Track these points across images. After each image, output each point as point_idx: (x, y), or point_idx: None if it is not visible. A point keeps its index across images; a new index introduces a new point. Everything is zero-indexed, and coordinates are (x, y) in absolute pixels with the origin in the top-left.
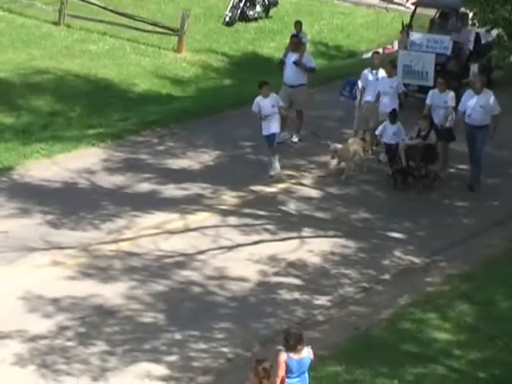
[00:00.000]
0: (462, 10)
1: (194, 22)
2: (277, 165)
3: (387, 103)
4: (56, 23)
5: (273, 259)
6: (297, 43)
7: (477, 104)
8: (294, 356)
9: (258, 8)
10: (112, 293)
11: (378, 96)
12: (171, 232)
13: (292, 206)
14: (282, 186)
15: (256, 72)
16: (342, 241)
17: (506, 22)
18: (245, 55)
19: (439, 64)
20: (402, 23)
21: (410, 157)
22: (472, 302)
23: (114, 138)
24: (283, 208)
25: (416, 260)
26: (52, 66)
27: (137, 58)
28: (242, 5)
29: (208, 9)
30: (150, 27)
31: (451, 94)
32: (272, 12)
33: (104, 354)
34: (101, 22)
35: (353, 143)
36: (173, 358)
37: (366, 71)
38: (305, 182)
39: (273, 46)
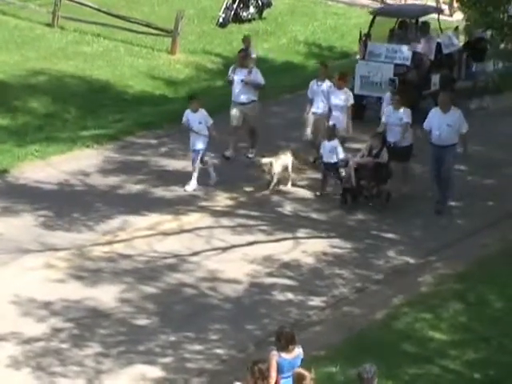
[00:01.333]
0: (423, 19)
1: (187, 24)
2: (194, 181)
3: (339, 117)
4: (50, 25)
5: (267, 260)
6: (244, 58)
7: (443, 123)
8: (285, 356)
9: (252, 9)
10: (106, 295)
11: (330, 109)
12: (165, 233)
13: (286, 207)
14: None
15: None
16: (336, 241)
17: (498, 25)
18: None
19: (398, 75)
20: (360, 33)
21: (360, 176)
22: (466, 302)
23: (109, 140)
24: (277, 209)
25: (410, 260)
26: (46, 67)
27: (131, 60)
28: (235, 6)
29: (201, 10)
30: (144, 29)
31: (407, 111)
32: (265, 13)
33: (98, 356)
34: (95, 23)
35: (282, 157)
36: (167, 360)
37: (312, 82)
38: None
39: (266, 47)
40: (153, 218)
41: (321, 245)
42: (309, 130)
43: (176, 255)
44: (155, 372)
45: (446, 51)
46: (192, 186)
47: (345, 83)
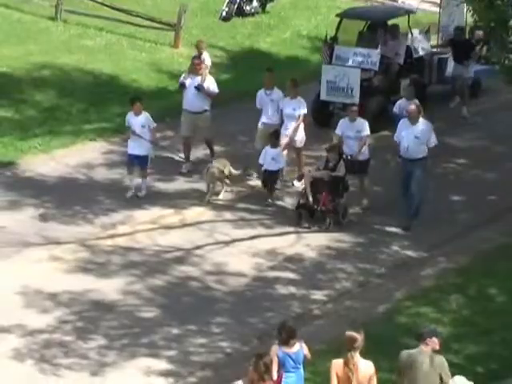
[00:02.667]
0: (392, 21)
1: (190, 17)
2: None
3: (290, 126)
4: (53, 18)
5: (270, 254)
6: (198, 65)
7: (411, 134)
8: (286, 350)
9: (255, 3)
10: (110, 288)
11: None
12: (167, 227)
13: (288, 201)
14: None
15: (253, 67)
16: (339, 235)
17: (503, 19)
18: (242, 50)
19: (366, 80)
20: (326, 35)
21: (316, 190)
22: (468, 296)
23: (112, 133)
24: (279, 203)
25: (412, 254)
26: (49, 61)
27: (133, 54)
28: (238, 0)
29: (205, 4)
30: (147, 22)
31: (364, 123)
32: (269, 7)
33: (102, 349)
34: (97, 17)
35: (218, 164)
36: (171, 353)
37: (260, 91)
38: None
39: (270, 41)
40: (155, 212)
41: (323, 238)
42: (259, 142)
43: (179, 249)
44: (159, 365)
45: (416, 55)
46: (143, 191)
47: (297, 91)
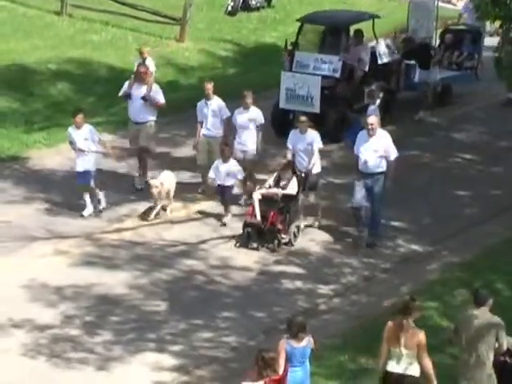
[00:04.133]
0: (355, 26)
1: (196, 12)
2: (90, 206)
3: (246, 139)
4: (58, 13)
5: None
6: (145, 73)
7: (370, 148)
8: (294, 344)
9: None
10: (116, 282)
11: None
12: (173, 221)
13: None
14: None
15: (259, 61)
16: (344, 230)
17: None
18: (247, 44)
19: (327, 88)
20: (286, 41)
21: (265, 208)
22: (473, 290)
23: (118, 127)
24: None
25: (417, 249)
26: (54, 55)
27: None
28: None
29: None
30: (152, 17)
31: (315, 135)
32: (274, 1)
33: (109, 344)
34: (103, 11)
35: (165, 178)
36: (177, 348)
37: (200, 102)
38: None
39: (275, 36)
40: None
41: (328, 233)
42: (200, 156)
43: (184, 243)
44: (166, 359)
45: (381, 61)
46: (88, 210)
47: (250, 101)
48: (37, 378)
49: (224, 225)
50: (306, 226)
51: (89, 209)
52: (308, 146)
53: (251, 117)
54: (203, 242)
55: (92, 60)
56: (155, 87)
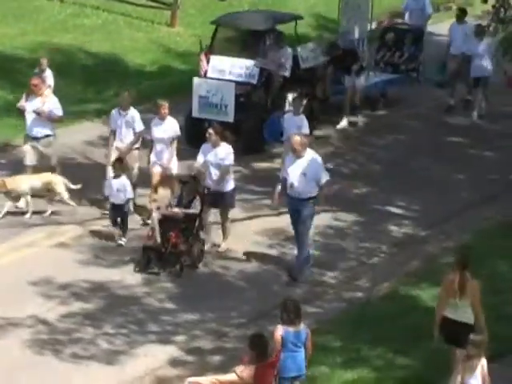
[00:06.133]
0: (276, 29)
1: None
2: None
3: (163, 152)
4: None
5: (271, 234)
6: (36, 86)
7: (298, 170)
8: (290, 329)
9: None
10: (117, 274)
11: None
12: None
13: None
14: (279, 161)
15: None
16: (340, 215)
17: None
18: None
19: (242, 95)
20: (200, 44)
21: (166, 230)
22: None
23: (109, 113)
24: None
25: (413, 233)
26: (45, 40)
27: (130, 33)
28: None
29: None
30: (143, 1)
31: (227, 149)
32: None
33: (111, 336)
34: None
35: (24, 179)
36: (180, 339)
37: (114, 111)
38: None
39: None
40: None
41: (324, 218)
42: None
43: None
44: (168, 351)
45: (304, 65)
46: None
47: (166, 111)
48: (41, 372)
49: (121, 245)
50: (214, 245)
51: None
52: (220, 161)
53: (167, 128)
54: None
55: (83, 45)
56: (51, 100)
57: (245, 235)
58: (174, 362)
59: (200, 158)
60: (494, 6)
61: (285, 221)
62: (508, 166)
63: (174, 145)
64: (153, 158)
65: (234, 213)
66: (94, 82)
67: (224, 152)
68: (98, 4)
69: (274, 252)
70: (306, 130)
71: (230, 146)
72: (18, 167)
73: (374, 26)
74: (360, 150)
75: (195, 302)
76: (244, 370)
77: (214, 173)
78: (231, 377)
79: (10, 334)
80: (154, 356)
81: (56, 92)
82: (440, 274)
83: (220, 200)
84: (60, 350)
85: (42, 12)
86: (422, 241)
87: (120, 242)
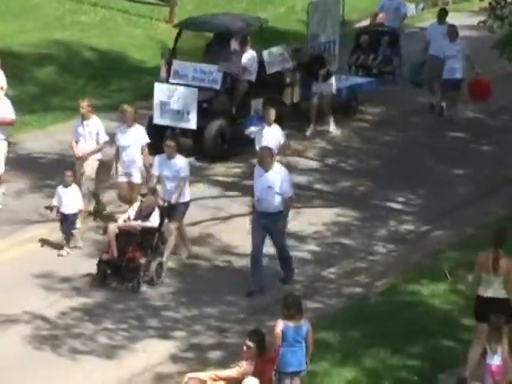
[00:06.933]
0: (242, 33)
1: None
2: None
3: (130, 162)
4: None
5: None
6: None
7: (264, 183)
8: (290, 323)
9: None
10: None
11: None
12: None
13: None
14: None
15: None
16: (340, 211)
17: None
18: None
19: (205, 101)
20: (164, 48)
21: (123, 244)
22: (471, 269)
23: (108, 109)
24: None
25: (413, 229)
26: (43, 37)
27: (128, 29)
28: None
29: None
30: None
31: (183, 161)
32: None
33: (111, 331)
34: None
35: None
36: (180, 334)
37: (76, 122)
38: None
39: (265, 16)
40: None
41: (325, 214)
42: (75, 179)
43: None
44: (168, 347)
45: (270, 70)
46: None
47: (132, 117)
48: (41, 367)
49: (62, 255)
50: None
51: None
52: (176, 173)
53: (134, 135)
54: (201, 223)
55: (81, 41)
56: (3, 103)
57: (245, 231)
58: (174, 358)
59: (155, 171)
60: (490, 3)
61: None
62: (507, 160)
63: (141, 153)
64: (119, 167)
65: (233, 208)
66: (92, 78)
67: (180, 164)
68: (96, 1)
69: (273, 248)
70: (283, 140)
71: (184, 159)
72: (11, 162)
73: (347, 28)
74: (359, 146)
75: (195, 297)
76: (244, 366)
77: (170, 185)
78: (230, 372)
79: (10, 330)
80: (154, 351)
81: (56, 88)
82: (440, 269)
83: (173, 211)
84: (60, 345)
85: (40, 9)
86: (423, 236)
87: (62, 252)
